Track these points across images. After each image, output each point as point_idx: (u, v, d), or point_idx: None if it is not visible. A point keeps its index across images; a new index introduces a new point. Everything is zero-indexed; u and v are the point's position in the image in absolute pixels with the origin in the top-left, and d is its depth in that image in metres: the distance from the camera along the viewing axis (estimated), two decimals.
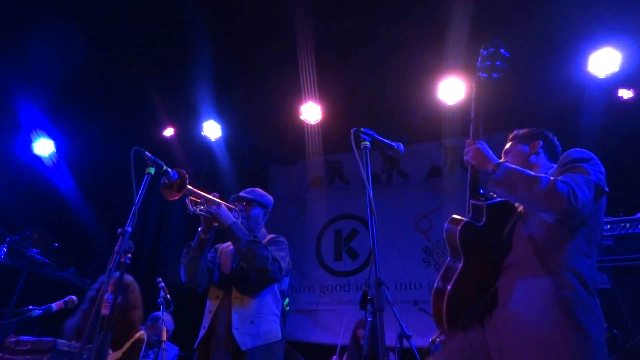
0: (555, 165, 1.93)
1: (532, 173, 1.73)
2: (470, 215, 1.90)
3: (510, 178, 1.73)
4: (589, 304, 1.60)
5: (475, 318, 1.74)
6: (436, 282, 1.84)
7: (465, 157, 1.94)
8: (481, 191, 1.93)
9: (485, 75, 1.98)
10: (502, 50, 1.97)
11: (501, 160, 1.84)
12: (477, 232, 1.82)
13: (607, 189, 1.74)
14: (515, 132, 2.19)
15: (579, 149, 1.83)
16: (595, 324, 1.57)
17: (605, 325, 3.07)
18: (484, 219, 1.84)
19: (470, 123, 2.00)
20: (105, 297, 1.70)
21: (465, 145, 1.96)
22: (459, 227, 1.81)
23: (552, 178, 1.67)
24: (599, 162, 1.79)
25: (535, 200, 1.68)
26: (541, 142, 2.07)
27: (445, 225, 1.90)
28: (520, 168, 1.78)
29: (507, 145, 2.16)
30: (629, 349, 2.90)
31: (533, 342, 1.56)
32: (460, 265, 1.76)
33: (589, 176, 1.69)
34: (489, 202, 1.88)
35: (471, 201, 1.91)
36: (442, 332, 1.75)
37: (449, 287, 1.73)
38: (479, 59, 1.99)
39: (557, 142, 2.12)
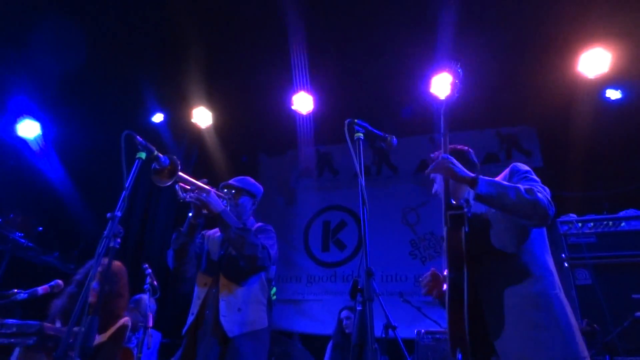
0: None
1: (509, 183, 1.86)
2: (449, 226, 1.93)
3: (493, 191, 1.79)
4: (559, 294, 1.77)
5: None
6: (447, 300, 1.82)
7: (432, 171, 1.97)
8: (452, 201, 1.98)
9: (457, 95, 2.18)
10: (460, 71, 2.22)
11: (474, 175, 1.87)
12: (469, 240, 1.85)
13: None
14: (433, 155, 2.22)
15: (520, 164, 2.05)
16: (569, 311, 1.74)
17: (586, 320, 3.16)
18: (466, 228, 1.87)
19: (441, 137, 2.08)
20: (93, 285, 1.68)
21: (434, 158, 2.01)
22: (462, 237, 1.83)
23: (527, 186, 1.80)
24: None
25: (520, 208, 1.76)
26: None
27: (445, 234, 1.91)
28: (495, 179, 1.89)
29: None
30: (608, 344, 2.98)
31: (523, 338, 1.67)
32: (465, 275, 1.78)
33: (543, 187, 1.88)
34: (468, 211, 1.93)
35: (449, 212, 1.94)
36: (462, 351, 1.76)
37: (465, 312, 1.73)
38: (453, 87, 2.19)
39: (470, 152, 2.27)
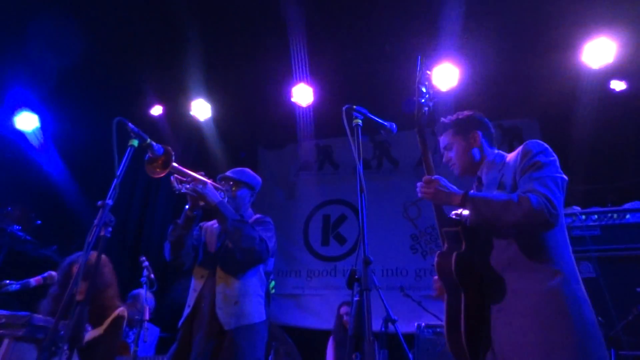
0: (497, 151, 2.02)
1: (502, 197, 1.73)
2: (446, 244, 1.88)
3: (484, 212, 1.73)
4: (576, 290, 1.65)
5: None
6: (445, 323, 1.82)
7: (423, 196, 1.90)
8: (449, 215, 1.93)
9: (426, 109, 2.03)
10: (427, 73, 2.06)
11: (464, 191, 1.80)
12: (466, 260, 1.77)
13: (566, 178, 1.79)
14: (447, 120, 2.13)
15: (534, 140, 1.88)
16: (586, 307, 1.62)
17: None
18: (463, 245, 1.81)
19: (422, 158, 2.01)
20: (78, 285, 1.63)
21: (422, 182, 1.90)
22: (452, 264, 1.75)
23: (523, 195, 1.67)
24: (552, 151, 1.85)
25: (517, 223, 1.69)
26: (480, 133, 2.06)
27: (436, 260, 1.86)
28: (487, 195, 1.79)
29: (444, 139, 2.12)
30: (613, 337, 2.93)
31: (531, 340, 1.59)
32: (462, 299, 1.74)
33: (554, 174, 1.75)
34: (462, 227, 1.84)
35: (444, 229, 1.89)
36: None
37: (462, 328, 1.71)
38: (418, 96, 2.02)
39: (489, 123, 2.12)
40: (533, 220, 1.64)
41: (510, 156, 1.93)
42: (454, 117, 2.11)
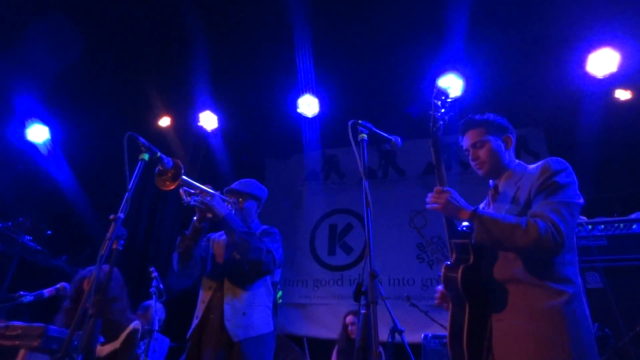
0: (518, 161, 2.00)
1: (511, 219, 1.72)
2: (455, 255, 1.90)
3: (490, 233, 1.72)
4: (575, 308, 1.65)
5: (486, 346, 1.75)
6: (448, 334, 1.84)
7: (431, 207, 1.91)
8: (459, 228, 1.93)
9: (441, 123, 2.05)
10: (444, 92, 2.07)
11: (474, 208, 1.80)
12: (473, 274, 1.79)
13: (582, 202, 1.78)
14: (477, 118, 2.08)
15: (556, 158, 1.85)
16: (582, 325, 1.63)
17: (597, 324, 3.09)
18: (471, 258, 1.81)
19: (435, 170, 2.00)
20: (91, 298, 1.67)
21: (433, 192, 1.91)
22: (459, 278, 1.77)
23: (531, 222, 1.67)
24: (572, 171, 1.83)
25: (522, 248, 1.70)
26: (513, 139, 2.04)
27: (443, 272, 1.87)
28: (496, 216, 1.77)
29: (474, 135, 2.05)
30: (620, 349, 2.91)
31: (527, 353, 1.60)
32: (467, 311, 1.76)
33: (569, 198, 1.73)
34: (472, 240, 1.84)
35: (453, 240, 1.90)
36: None
37: (464, 338, 1.72)
38: (434, 110, 2.05)
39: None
40: (538, 248, 1.65)
41: (530, 168, 1.91)
42: (484, 116, 2.06)
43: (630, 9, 4.31)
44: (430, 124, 2.05)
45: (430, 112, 2.05)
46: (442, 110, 2.06)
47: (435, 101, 2.05)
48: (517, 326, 1.66)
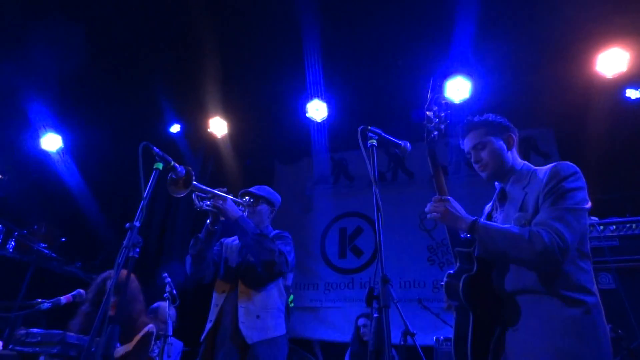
0: (523, 162, 1.96)
1: (514, 230, 1.69)
2: (458, 264, 1.88)
3: (493, 246, 1.70)
4: (595, 318, 1.61)
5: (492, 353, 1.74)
6: (453, 340, 1.86)
7: (431, 216, 1.88)
8: (462, 236, 1.91)
9: (436, 133, 2.02)
10: (439, 96, 2.04)
11: (474, 218, 1.77)
12: (476, 282, 1.76)
13: (589, 206, 1.76)
14: (476, 119, 2.04)
15: (565, 162, 1.81)
16: (602, 337, 1.60)
17: (610, 325, 3.07)
18: (475, 267, 1.79)
19: (432, 179, 1.98)
20: (111, 299, 1.71)
21: (432, 202, 1.89)
22: (460, 286, 1.75)
23: (535, 232, 1.64)
24: (581, 175, 1.79)
25: (526, 261, 1.67)
26: (515, 138, 2.00)
27: (445, 281, 1.87)
28: (497, 227, 1.74)
29: (475, 137, 2.01)
30: (634, 350, 2.89)
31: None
32: (471, 319, 1.74)
33: (576, 205, 1.69)
34: (475, 253, 1.81)
35: (457, 249, 1.88)
36: None
37: (469, 345, 1.72)
38: (427, 122, 2.03)
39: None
40: (543, 260, 1.62)
41: (539, 173, 1.86)
42: (483, 117, 2.03)
43: (639, 8, 4.28)
44: (424, 135, 2.03)
45: (424, 122, 2.03)
46: (437, 121, 2.02)
47: (428, 112, 2.03)
48: (534, 336, 1.62)
